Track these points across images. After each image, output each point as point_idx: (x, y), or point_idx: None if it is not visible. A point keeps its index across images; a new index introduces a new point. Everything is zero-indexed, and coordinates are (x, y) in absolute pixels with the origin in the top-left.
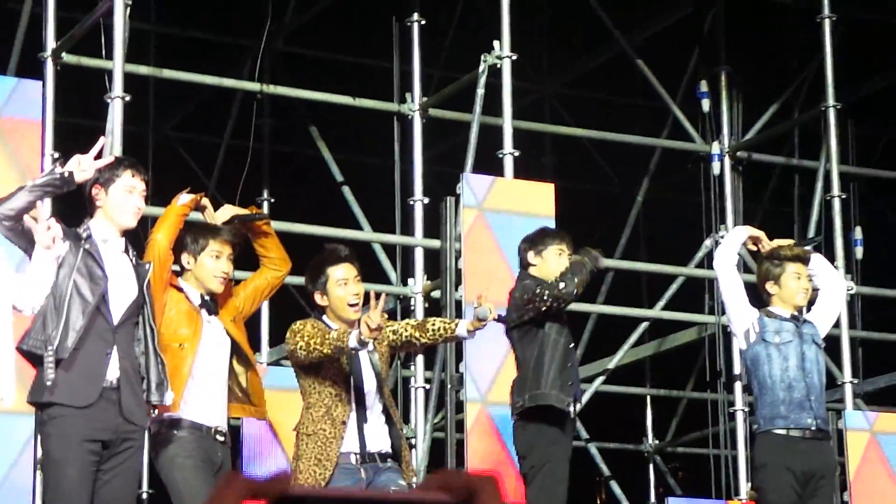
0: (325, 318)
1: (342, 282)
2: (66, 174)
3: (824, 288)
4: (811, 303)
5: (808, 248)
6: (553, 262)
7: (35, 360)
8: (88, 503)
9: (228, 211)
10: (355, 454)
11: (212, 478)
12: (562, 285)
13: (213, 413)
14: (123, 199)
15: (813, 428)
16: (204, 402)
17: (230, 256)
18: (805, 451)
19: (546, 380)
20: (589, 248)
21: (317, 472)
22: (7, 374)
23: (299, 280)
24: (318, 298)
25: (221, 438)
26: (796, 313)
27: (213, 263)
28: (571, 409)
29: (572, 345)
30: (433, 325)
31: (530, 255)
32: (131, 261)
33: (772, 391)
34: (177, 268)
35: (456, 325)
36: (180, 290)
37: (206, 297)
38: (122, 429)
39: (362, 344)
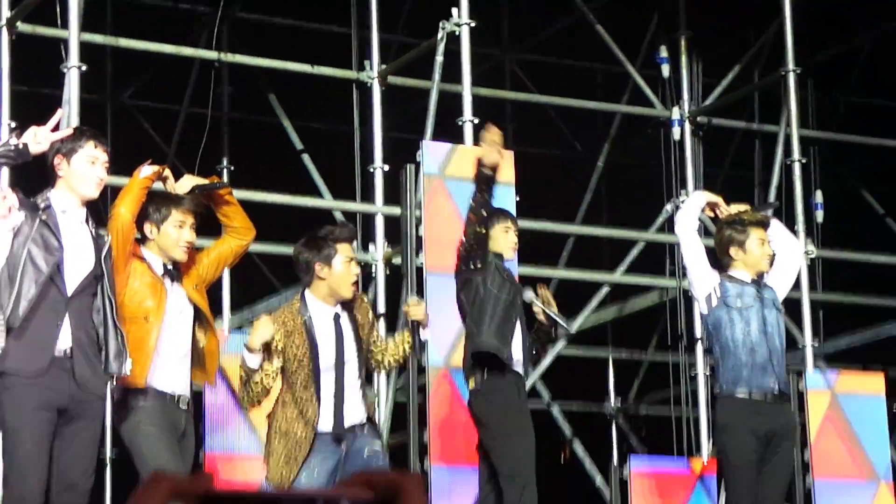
0: (308, 292)
1: (348, 259)
2: (21, 146)
3: (781, 252)
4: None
5: (766, 212)
6: (501, 239)
7: None
8: (46, 470)
9: (189, 181)
10: (335, 434)
11: (175, 444)
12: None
13: (176, 381)
14: (86, 170)
15: (775, 391)
16: (168, 370)
17: (193, 225)
18: (767, 413)
19: (486, 329)
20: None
21: (283, 473)
22: None
23: (261, 248)
24: (318, 269)
25: (184, 406)
26: (756, 278)
27: (176, 233)
28: (514, 364)
29: (518, 305)
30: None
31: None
32: (91, 232)
33: (734, 355)
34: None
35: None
36: (143, 259)
37: (169, 266)
38: (78, 397)
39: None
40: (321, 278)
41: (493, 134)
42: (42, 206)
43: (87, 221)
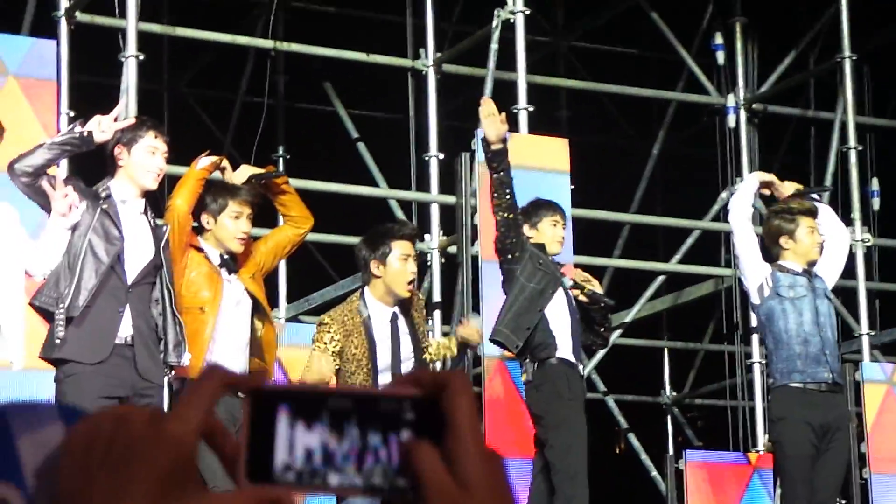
0: (367, 290)
1: (404, 258)
2: (86, 133)
3: (829, 240)
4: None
5: (822, 195)
6: (548, 232)
7: (47, 315)
8: None
9: (246, 171)
10: None
11: (234, 435)
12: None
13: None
14: (146, 160)
15: (829, 381)
16: (226, 360)
17: (249, 216)
18: (821, 404)
19: (503, 318)
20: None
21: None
22: (17, 339)
23: (317, 237)
24: (374, 267)
25: (242, 395)
26: (808, 267)
27: (232, 224)
28: (563, 353)
29: (555, 295)
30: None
31: (526, 228)
32: (150, 222)
33: (788, 346)
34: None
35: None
36: (200, 250)
37: (226, 256)
38: (139, 386)
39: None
40: (377, 276)
41: (487, 106)
42: (103, 195)
43: (145, 212)
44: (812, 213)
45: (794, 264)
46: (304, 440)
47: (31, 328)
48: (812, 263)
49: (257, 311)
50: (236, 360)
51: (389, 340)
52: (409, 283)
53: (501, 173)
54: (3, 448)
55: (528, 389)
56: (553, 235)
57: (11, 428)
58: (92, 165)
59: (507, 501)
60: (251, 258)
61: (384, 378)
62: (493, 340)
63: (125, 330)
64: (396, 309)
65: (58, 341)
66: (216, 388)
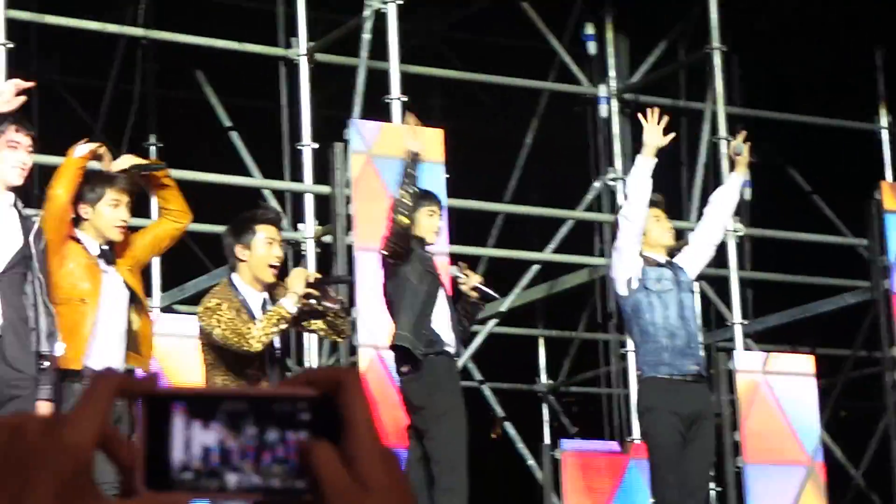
0: (234, 276)
1: (269, 241)
2: None
3: (702, 231)
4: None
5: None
6: (424, 222)
7: None
8: None
9: (127, 160)
10: None
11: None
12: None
13: (112, 363)
14: (7, 156)
15: (695, 373)
16: (104, 352)
17: (128, 204)
18: (688, 394)
19: (402, 322)
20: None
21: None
22: None
23: (191, 227)
24: (239, 251)
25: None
26: (669, 258)
27: (111, 212)
28: (443, 346)
29: (439, 293)
30: None
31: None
32: (18, 213)
33: (654, 338)
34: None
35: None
36: (78, 241)
37: (105, 247)
38: (8, 376)
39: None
40: (243, 260)
41: (412, 119)
42: None
43: (15, 204)
44: (655, 203)
45: (656, 255)
46: (200, 439)
47: None
48: (671, 252)
49: (134, 303)
50: (114, 352)
51: None
52: (273, 267)
53: (416, 188)
54: None
55: (407, 380)
56: (429, 225)
57: None
58: None
59: (404, 498)
60: (129, 250)
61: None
62: (397, 346)
63: None
64: (266, 295)
65: None
66: (110, 394)
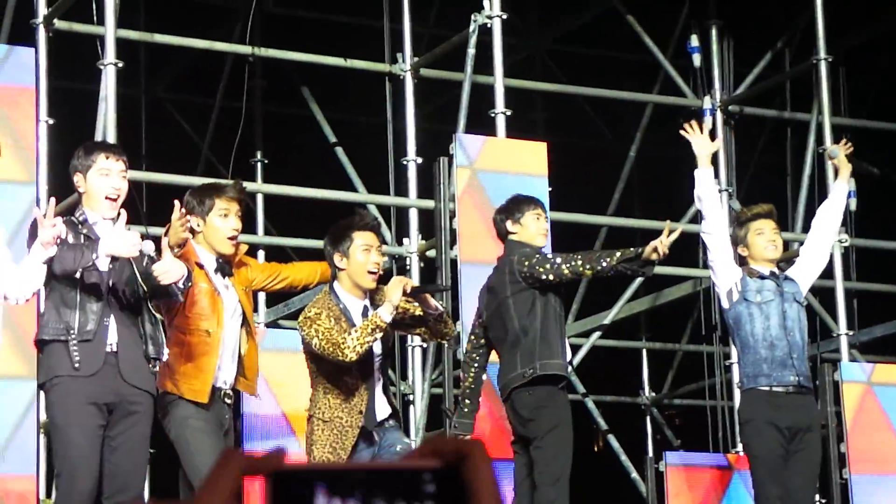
0: (336, 284)
1: (366, 248)
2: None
3: (807, 246)
4: (792, 260)
5: (764, 207)
6: (532, 226)
7: (49, 345)
8: (97, 466)
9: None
10: (368, 428)
11: (221, 440)
12: (577, 262)
13: (225, 376)
14: (100, 183)
15: (795, 384)
16: (222, 373)
17: (238, 213)
18: (788, 406)
19: (555, 349)
20: (644, 259)
21: (330, 461)
22: None
23: (295, 242)
24: (338, 260)
25: (229, 401)
26: (775, 270)
27: (221, 223)
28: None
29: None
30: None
31: (509, 224)
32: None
33: (754, 350)
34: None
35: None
36: (201, 266)
37: (220, 261)
38: (125, 392)
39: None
40: (342, 269)
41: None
42: (81, 219)
43: (117, 219)
44: (761, 215)
45: (760, 267)
46: None
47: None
48: (777, 264)
49: (244, 325)
50: (229, 371)
51: None
52: (371, 273)
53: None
54: None
55: (518, 392)
56: (537, 228)
57: None
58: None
59: None
60: (245, 271)
61: (362, 369)
62: (539, 379)
63: (111, 338)
64: (367, 302)
65: (77, 365)
66: (236, 475)
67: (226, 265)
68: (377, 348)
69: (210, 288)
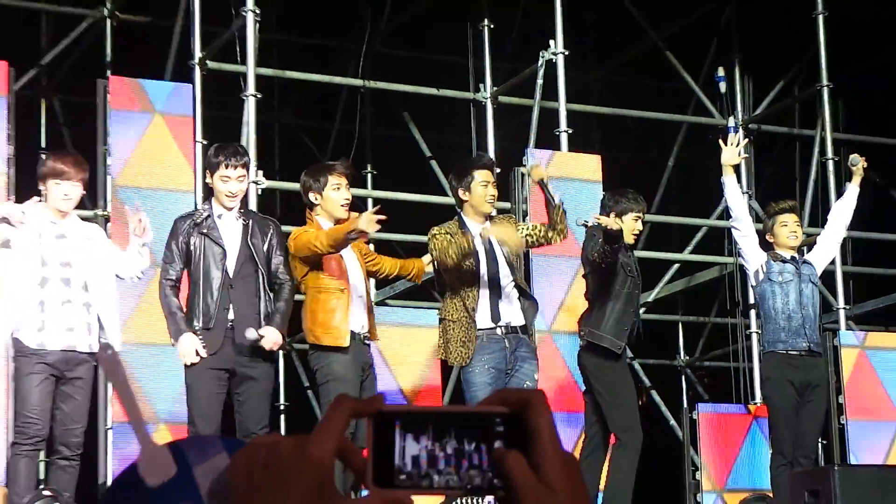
0: (461, 213)
1: (484, 183)
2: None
3: (824, 234)
4: (811, 246)
5: (789, 203)
6: (333, 198)
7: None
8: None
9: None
10: (500, 327)
11: (357, 388)
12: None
13: (359, 321)
14: (220, 186)
15: (806, 349)
16: (355, 315)
17: (347, 186)
18: (800, 366)
19: (605, 324)
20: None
21: (462, 353)
22: (116, 326)
23: (399, 237)
24: (461, 193)
25: (368, 342)
26: (795, 255)
27: (335, 194)
28: (625, 349)
29: (637, 291)
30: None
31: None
32: (245, 224)
33: (774, 321)
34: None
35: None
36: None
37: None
38: (240, 360)
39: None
40: (465, 200)
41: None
42: (205, 215)
43: (238, 218)
44: (786, 210)
45: (783, 253)
46: (413, 449)
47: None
48: (798, 250)
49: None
50: (359, 311)
51: (483, 248)
52: (490, 203)
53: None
54: (183, 475)
55: (583, 352)
56: (629, 228)
57: (188, 458)
58: None
59: (582, 497)
60: (360, 244)
61: (482, 276)
62: (594, 344)
63: (231, 314)
64: (487, 223)
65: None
66: (346, 415)
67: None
68: (499, 256)
69: (337, 258)
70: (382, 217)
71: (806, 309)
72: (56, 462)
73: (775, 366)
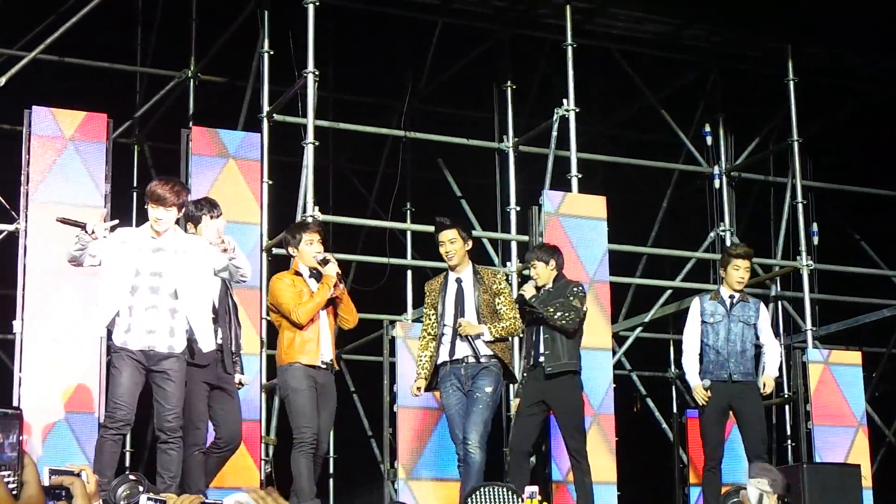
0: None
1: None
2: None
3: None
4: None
5: (743, 250)
6: (306, 251)
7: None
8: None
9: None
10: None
11: (314, 399)
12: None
13: (325, 351)
14: (306, 249)
15: (727, 378)
16: (323, 349)
17: (319, 241)
18: (725, 392)
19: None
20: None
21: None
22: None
23: (433, 264)
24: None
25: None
26: (735, 294)
27: (308, 248)
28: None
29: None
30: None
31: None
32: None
33: (706, 354)
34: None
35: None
36: (299, 274)
37: (314, 271)
38: (223, 377)
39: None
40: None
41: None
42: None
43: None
44: (741, 255)
45: (725, 291)
46: None
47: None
48: (739, 291)
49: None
50: (328, 347)
51: (454, 295)
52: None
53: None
54: None
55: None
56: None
57: None
58: None
59: None
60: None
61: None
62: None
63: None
64: (461, 275)
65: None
66: None
67: (318, 274)
68: (468, 306)
69: (309, 290)
70: (329, 257)
71: (732, 345)
72: (159, 446)
73: (707, 388)
